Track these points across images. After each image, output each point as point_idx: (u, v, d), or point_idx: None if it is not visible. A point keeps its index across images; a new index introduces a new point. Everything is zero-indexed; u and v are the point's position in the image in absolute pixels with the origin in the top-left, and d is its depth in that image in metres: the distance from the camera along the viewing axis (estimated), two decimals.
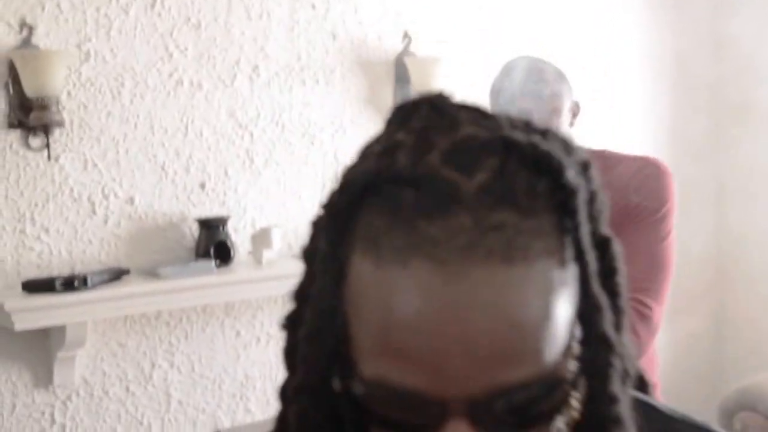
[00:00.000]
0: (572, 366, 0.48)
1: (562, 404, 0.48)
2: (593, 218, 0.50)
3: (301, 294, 0.53)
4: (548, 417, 0.47)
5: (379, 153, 0.49)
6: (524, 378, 0.45)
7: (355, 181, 0.48)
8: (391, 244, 0.45)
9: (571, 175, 0.47)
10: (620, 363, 0.50)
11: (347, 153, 2.58)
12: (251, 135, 2.40)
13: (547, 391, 0.46)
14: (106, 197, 2.19)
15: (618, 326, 0.51)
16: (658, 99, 3.25)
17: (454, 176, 0.45)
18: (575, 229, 0.47)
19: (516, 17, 2.87)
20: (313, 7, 2.50)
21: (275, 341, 2.46)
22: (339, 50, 2.55)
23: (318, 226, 0.52)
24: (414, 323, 0.44)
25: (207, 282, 2.17)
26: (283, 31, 2.45)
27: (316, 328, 0.50)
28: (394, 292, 0.45)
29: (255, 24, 2.40)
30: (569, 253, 0.47)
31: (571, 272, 0.47)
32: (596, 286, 0.49)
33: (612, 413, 0.49)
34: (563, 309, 0.46)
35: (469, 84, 2.55)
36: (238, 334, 2.40)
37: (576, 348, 0.49)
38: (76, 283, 1.99)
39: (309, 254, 0.53)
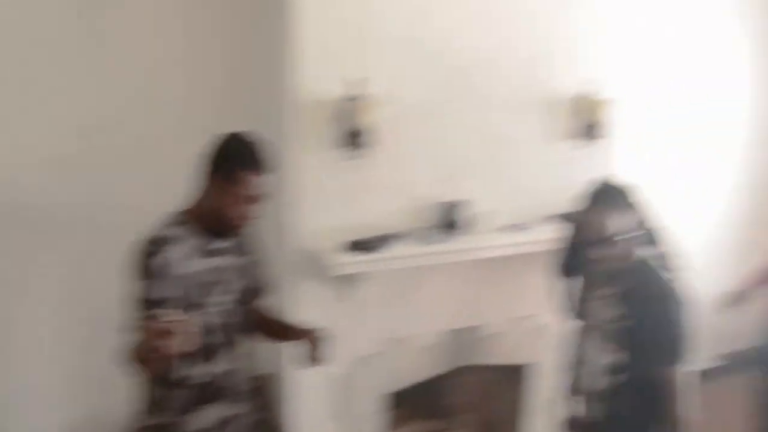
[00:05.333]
0: None
1: None
2: None
3: None
4: None
5: None
6: None
7: None
8: None
9: None
10: None
11: (547, 160, 3.66)
12: (488, 146, 3.50)
13: None
14: (397, 187, 3.32)
15: None
16: None
17: None
18: None
19: None
20: (534, 60, 3.52)
21: (486, 281, 3.68)
22: (546, 90, 3.57)
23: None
24: None
25: (450, 246, 3.33)
26: (512, 77, 3.48)
27: None
28: None
29: (496, 72, 3.43)
30: None
31: None
32: None
33: None
34: None
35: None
36: (464, 275, 3.63)
37: None
38: (371, 247, 3.15)
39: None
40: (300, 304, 3.25)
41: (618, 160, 3.90)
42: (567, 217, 3.20)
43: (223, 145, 2.32)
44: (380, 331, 3.47)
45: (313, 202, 3.18)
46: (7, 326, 3.33)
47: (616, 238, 2.59)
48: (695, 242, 4.35)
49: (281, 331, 2.63)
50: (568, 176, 3.75)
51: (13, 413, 3.39)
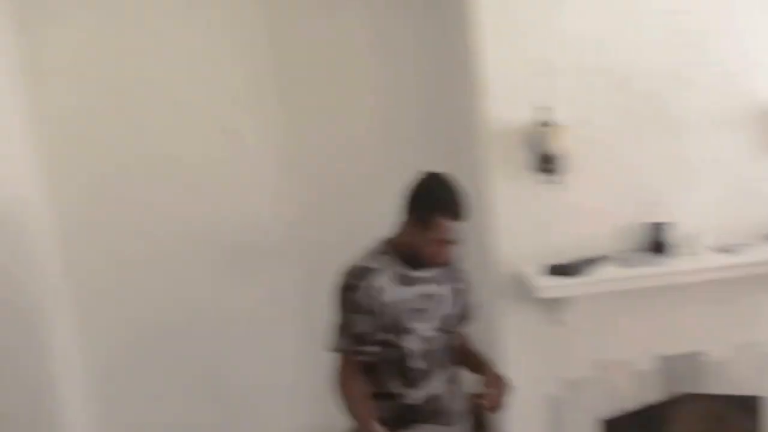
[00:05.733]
0: None
1: None
2: None
3: None
4: None
5: None
6: None
7: None
8: None
9: None
10: None
11: (755, 177, 3.54)
12: (686, 167, 3.46)
13: None
14: (593, 210, 3.37)
15: None
16: None
17: None
18: None
19: None
20: (731, 75, 3.46)
21: (698, 304, 3.55)
22: (747, 105, 3.48)
23: None
24: None
25: (658, 270, 3.29)
26: (708, 94, 3.44)
27: None
28: None
29: (688, 91, 3.41)
30: None
31: None
32: None
33: None
34: None
35: None
36: (673, 299, 3.52)
37: None
38: (575, 270, 3.21)
39: None
40: (505, 327, 3.36)
41: None
42: None
43: (421, 187, 2.40)
44: (590, 355, 3.47)
45: (513, 226, 3.34)
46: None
47: None
48: None
49: (476, 365, 2.65)
50: None
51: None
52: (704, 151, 3.48)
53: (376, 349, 2.42)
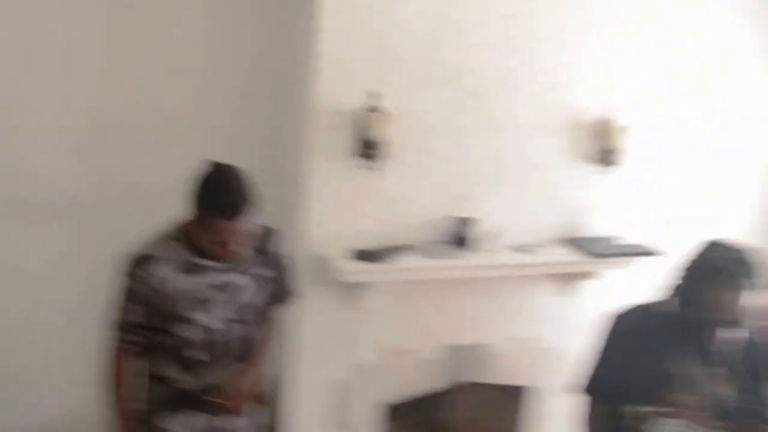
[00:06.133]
0: None
1: None
2: None
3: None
4: None
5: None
6: None
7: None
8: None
9: None
10: None
11: (559, 184, 3.72)
12: (499, 167, 3.55)
13: None
14: (407, 200, 3.38)
15: None
16: None
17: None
18: None
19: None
20: (550, 85, 3.58)
21: (491, 299, 3.71)
22: (561, 115, 3.64)
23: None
24: None
25: (458, 263, 3.36)
26: (528, 101, 3.53)
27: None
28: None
29: (512, 96, 3.49)
30: None
31: None
32: None
33: None
34: None
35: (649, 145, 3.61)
36: (470, 292, 3.65)
37: None
38: (380, 257, 3.19)
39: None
40: (304, 310, 3.31)
41: (634, 187, 3.93)
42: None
43: (202, 183, 2.27)
44: (380, 342, 3.52)
45: (325, 208, 3.25)
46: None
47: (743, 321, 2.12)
48: None
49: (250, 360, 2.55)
50: (582, 201, 3.79)
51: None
52: (518, 154, 3.59)
53: (142, 339, 2.38)
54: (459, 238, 3.48)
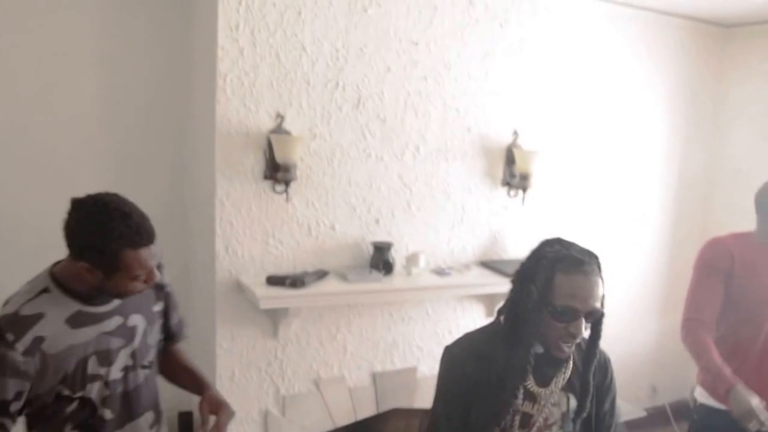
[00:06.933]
0: None
1: None
2: None
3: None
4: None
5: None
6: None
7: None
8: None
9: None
10: None
11: (471, 207, 3.77)
12: (411, 191, 3.59)
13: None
14: (318, 224, 3.39)
15: None
16: None
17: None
18: None
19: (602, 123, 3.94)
20: (457, 111, 3.65)
21: (413, 322, 3.71)
22: (471, 140, 3.71)
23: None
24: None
25: (376, 286, 3.35)
26: (436, 126, 3.61)
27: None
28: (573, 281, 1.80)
29: (419, 120, 3.56)
30: None
31: None
32: None
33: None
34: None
35: (556, 169, 3.67)
36: (391, 316, 3.67)
37: None
38: (297, 282, 3.14)
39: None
40: (221, 339, 3.26)
41: (543, 210, 3.99)
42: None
43: (90, 221, 1.85)
44: (307, 371, 3.47)
45: (235, 233, 3.23)
46: None
47: None
48: (614, 298, 4.38)
49: (194, 385, 2.28)
50: (496, 224, 3.83)
51: None
52: (429, 178, 3.63)
53: (10, 422, 1.89)
54: (375, 262, 3.49)
